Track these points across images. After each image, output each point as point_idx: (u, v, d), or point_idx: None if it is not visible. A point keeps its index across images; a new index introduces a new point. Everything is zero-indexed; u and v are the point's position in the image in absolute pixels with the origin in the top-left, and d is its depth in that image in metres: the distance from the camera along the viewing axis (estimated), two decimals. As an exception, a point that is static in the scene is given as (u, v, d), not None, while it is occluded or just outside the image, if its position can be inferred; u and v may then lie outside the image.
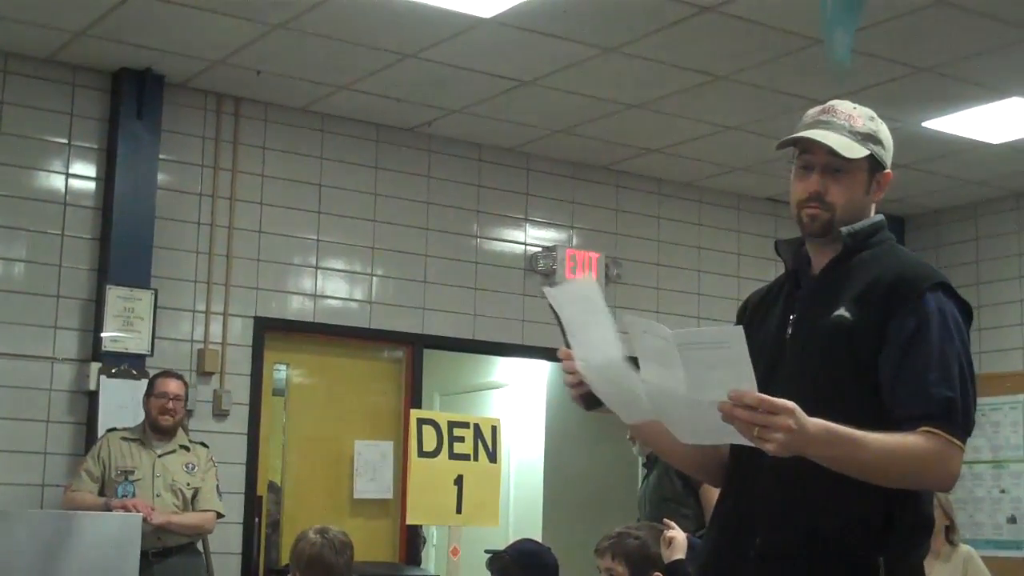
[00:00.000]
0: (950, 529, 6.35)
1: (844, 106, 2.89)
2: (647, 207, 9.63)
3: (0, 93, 7.40)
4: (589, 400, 2.80)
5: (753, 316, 2.99)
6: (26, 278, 7.38)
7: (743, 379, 2.46)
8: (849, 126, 2.84)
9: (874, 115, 2.90)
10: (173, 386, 6.82)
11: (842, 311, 2.75)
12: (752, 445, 2.50)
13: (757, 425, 2.45)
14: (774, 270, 3.01)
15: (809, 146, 2.85)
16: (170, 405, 6.77)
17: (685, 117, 8.28)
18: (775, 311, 2.92)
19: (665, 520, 4.73)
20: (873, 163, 2.86)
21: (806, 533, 2.68)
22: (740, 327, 2.47)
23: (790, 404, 2.47)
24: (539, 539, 6.50)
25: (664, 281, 9.61)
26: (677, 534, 4.50)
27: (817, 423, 2.51)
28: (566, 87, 7.78)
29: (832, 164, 2.84)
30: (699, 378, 2.52)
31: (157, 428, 6.77)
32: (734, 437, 2.51)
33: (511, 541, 5.55)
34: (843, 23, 4.92)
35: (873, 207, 2.91)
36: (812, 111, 2.92)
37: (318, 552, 4.58)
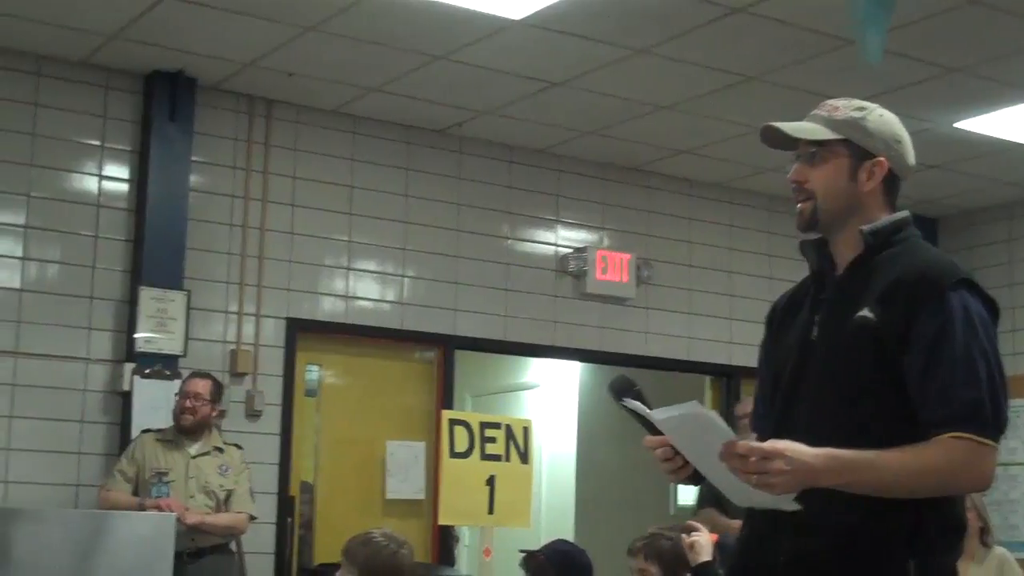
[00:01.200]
0: (984, 531, 6.33)
1: (836, 101, 2.91)
2: (678, 208, 9.62)
3: (34, 96, 7.45)
4: (696, 476, 2.78)
5: (782, 319, 2.98)
6: (60, 279, 7.43)
7: (725, 438, 2.53)
8: (828, 116, 2.87)
9: (866, 106, 2.88)
10: (196, 386, 6.84)
11: (866, 312, 2.72)
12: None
13: (753, 473, 2.51)
14: (805, 271, 3.00)
15: (792, 142, 2.89)
16: (189, 404, 6.78)
17: (716, 118, 8.26)
18: (802, 314, 2.91)
19: (689, 523, 4.75)
20: (857, 151, 2.84)
21: (834, 536, 2.67)
22: (694, 401, 2.54)
23: (780, 446, 2.51)
24: (571, 540, 6.50)
25: (695, 282, 9.59)
26: (700, 537, 4.52)
27: (822, 455, 2.53)
28: (596, 88, 7.78)
29: (807, 152, 2.87)
30: (695, 448, 2.62)
31: (179, 427, 6.81)
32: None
33: (543, 542, 5.56)
34: (874, 23, 4.91)
35: (875, 198, 2.86)
36: None
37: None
